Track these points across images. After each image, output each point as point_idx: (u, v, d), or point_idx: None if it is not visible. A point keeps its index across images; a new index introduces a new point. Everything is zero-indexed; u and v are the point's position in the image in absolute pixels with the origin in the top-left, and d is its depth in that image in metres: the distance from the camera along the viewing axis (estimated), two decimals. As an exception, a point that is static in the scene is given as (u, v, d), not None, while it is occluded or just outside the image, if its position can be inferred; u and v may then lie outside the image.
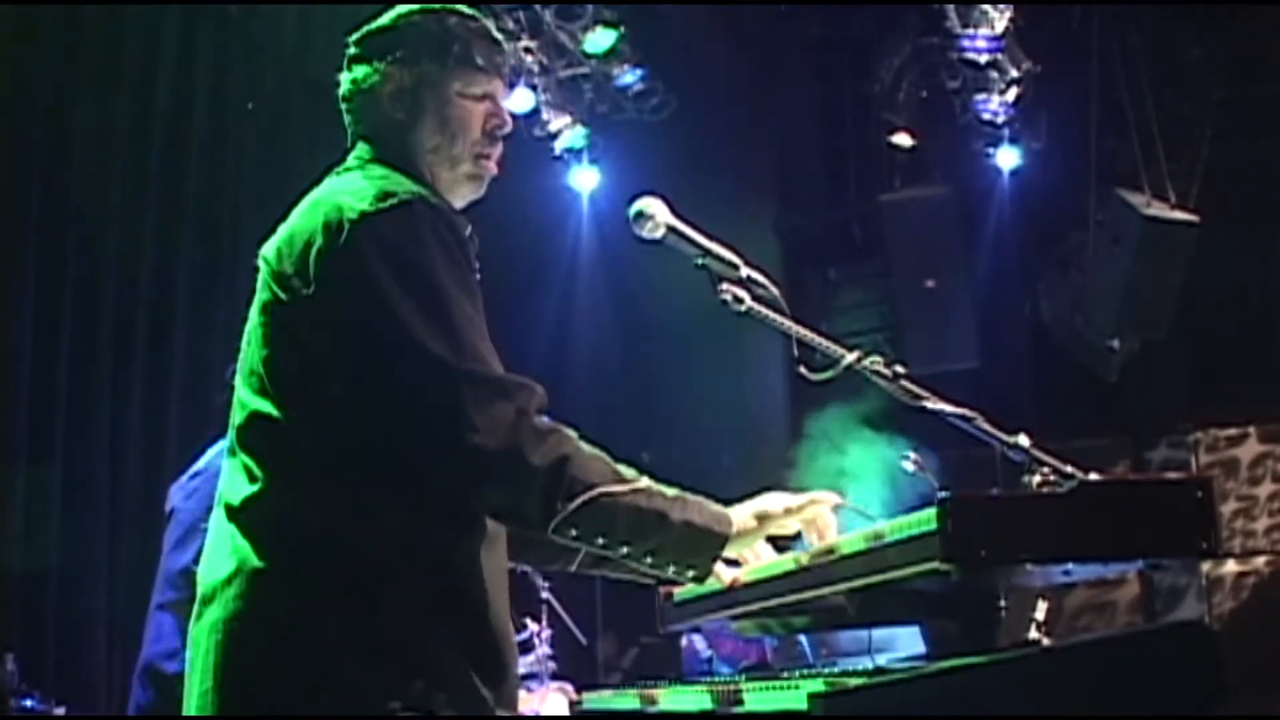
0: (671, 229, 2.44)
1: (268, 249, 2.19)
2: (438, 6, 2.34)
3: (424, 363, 2.02)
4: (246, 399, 2.15)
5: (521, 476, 2.01)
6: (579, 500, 2.03)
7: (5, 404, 5.92)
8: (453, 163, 2.29)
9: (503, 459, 2.00)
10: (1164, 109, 7.27)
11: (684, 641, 6.70)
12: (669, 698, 2.52)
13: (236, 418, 2.17)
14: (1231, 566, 7.26)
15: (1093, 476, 2.08)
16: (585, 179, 8.25)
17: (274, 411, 2.10)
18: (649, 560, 2.13)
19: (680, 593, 2.85)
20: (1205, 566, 7.00)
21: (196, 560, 4.03)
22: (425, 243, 2.09)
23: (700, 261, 2.45)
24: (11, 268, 6.05)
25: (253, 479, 2.11)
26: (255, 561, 2.05)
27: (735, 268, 2.43)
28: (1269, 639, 6.84)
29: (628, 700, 2.66)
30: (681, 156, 7.58)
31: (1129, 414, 7.97)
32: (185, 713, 2.12)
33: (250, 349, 2.18)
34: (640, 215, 2.44)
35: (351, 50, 2.35)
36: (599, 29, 7.45)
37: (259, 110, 7.02)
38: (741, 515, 2.25)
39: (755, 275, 2.43)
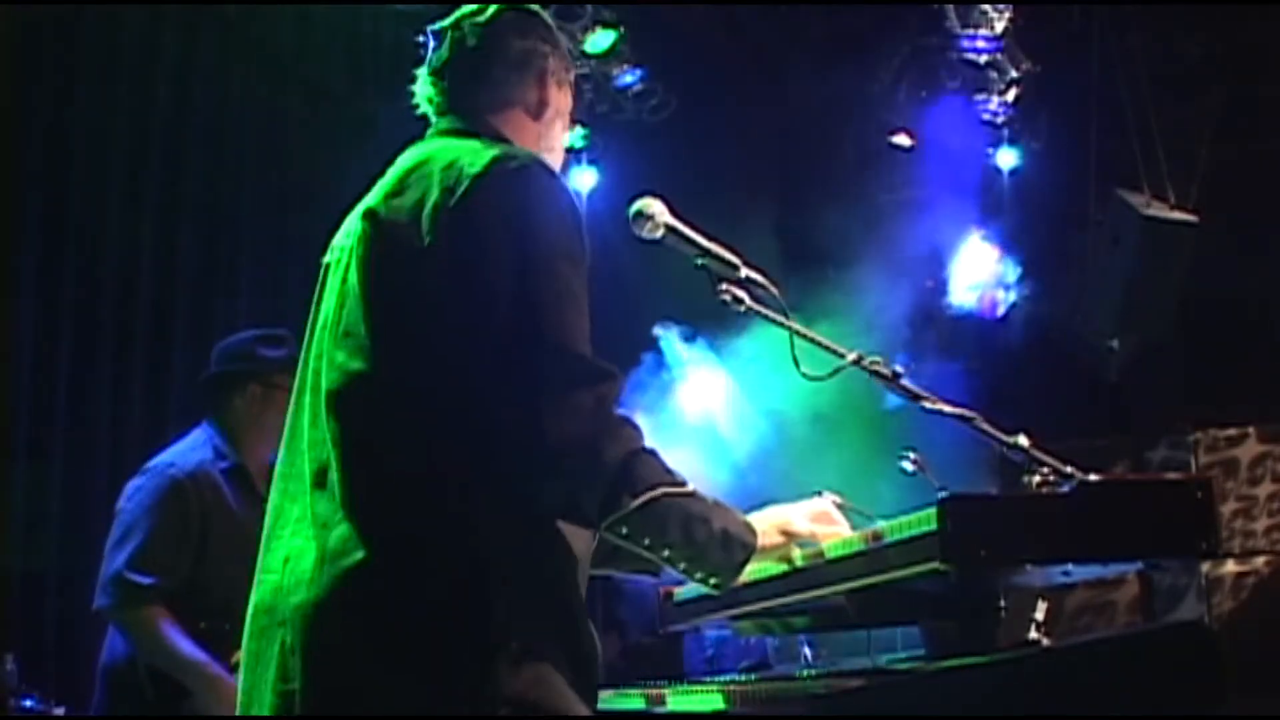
0: (671, 229, 2.44)
1: (373, 202, 2.17)
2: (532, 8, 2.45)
3: (526, 330, 2.00)
4: (342, 361, 2.09)
5: (591, 467, 1.98)
6: (642, 499, 2.00)
7: (5, 404, 5.92)
8: (554, 138, 2.39)
9: (575, 446, 1.97)
10: (1164, 109, 7.26)
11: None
12: (674, 698, 2.52)
13: (329, 383, 2.11)
14: (1231, 566, 7.25)
15: (1093, 476, 2.08)
16: (585, 179, 8.25)
17: (374, 371, 2.05)
18: (683, 565, 2.12)
19: (680, 592, 2.85)
20: (1205, 566, 6.99)
21: (129, 565, 4.08)
22: (545, 206, 2.08)
23: (700, 262, 2.45)
24: (11, 268, 6.04)
25: (343, 452, 2.04)
26: (349, 548, 1.97)
27: (735, 268, 2.43)
28: (1269, 639, 6.83)
29: (629, 700, 2.66)
30: (681, 156, 7.57)
31: (1129, 414, 7.96)
32: (251, 707, 2.05)
33: (345, 311, 2.13)
34: (640, 215, 2.45)
35: (466, 16, 2.38)
36: (599, 29, 7.45)
37: (259, 111, 7.02)
38: (765, 527, 2.25)
39: (755, 275, 2.44)
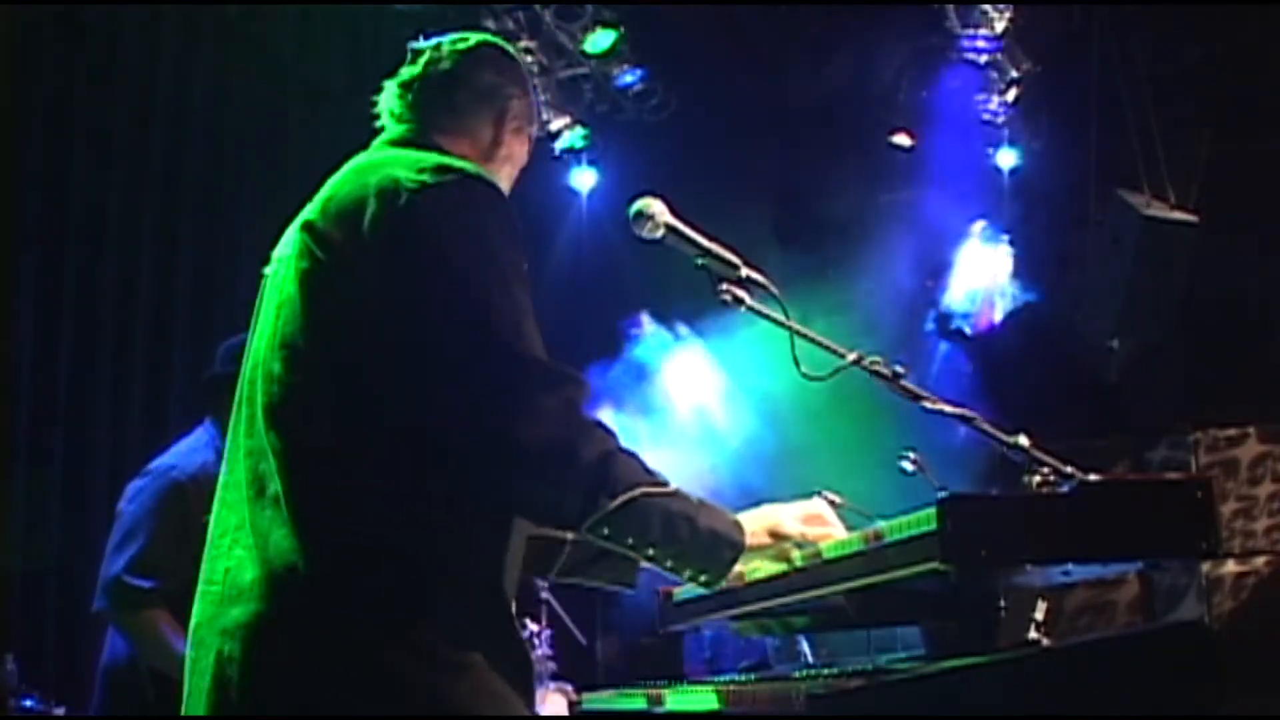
0: (671, 229, 2.44)
1: (310, 214, 2.15)
2: (509, 47, 2.47)
3: (479, 338, 1.99)
4: (280, 373, 2.08)
5: (567, 470, 1.97)
6: (621, 499, 2.00)
7: (5, 404, 5.92)
8: (496, 175, 2.31)
9: (549, 450, 1.96)
10: (1164, 109, 7.26)
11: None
12: (674, 698, 2.52)
13: (266, 396, 2.09)
14: (1231, 566, 7.25)
15: (1093, 476, 2.08)
16: (584, 179, 8.25)
17: (313, 383, 2.04)
18: (670, 564, 2.12)
19: (680, 592, 2.85)
20: (1205, 566, 6.99)
21: (128, 569, 4.08)
22: (486, 217, 2.08)
23: (700, 261, 2.45)
24: (11, 268, 6.04)
25: (285, 463, 2.03)
26: (291, 559, 1.96)
27: (735, 267, 2.43)
28: (1269, 639, 6.82)
29: (630, 700, 2.66)
30: (681, 156, 7.57)
31: (1129, 414, 7.96)
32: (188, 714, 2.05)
33: (280, 323, 2.11)
34: (640, 215, 2.44)
35: (439, 43, 2.39)
36: (599, 29, 7.45)
37: (259, 110, 7.02)
38: (754, 527, 2.24)
39: (755, 275, 2.44)
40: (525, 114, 2.40)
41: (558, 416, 1.97)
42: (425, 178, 2.07)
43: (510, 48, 2.46)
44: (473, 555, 2.03)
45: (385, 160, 2.18)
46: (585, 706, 2.94)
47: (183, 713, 2.07)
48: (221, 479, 2.19)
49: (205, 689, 2.01)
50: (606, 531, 2.02)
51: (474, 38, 2.40)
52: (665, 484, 2.09)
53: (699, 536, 2.11)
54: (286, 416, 2.06)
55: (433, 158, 2.15)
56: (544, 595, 6.22)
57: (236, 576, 2.03)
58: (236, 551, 2.05)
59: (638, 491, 2.02)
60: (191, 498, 4.10)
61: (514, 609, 2.10)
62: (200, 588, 2.13)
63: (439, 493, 2.00)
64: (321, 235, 2.10)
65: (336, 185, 2.18)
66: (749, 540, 2.19)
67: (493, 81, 2.36)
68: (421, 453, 2.00)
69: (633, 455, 2.06)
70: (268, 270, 2.29)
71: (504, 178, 2.36)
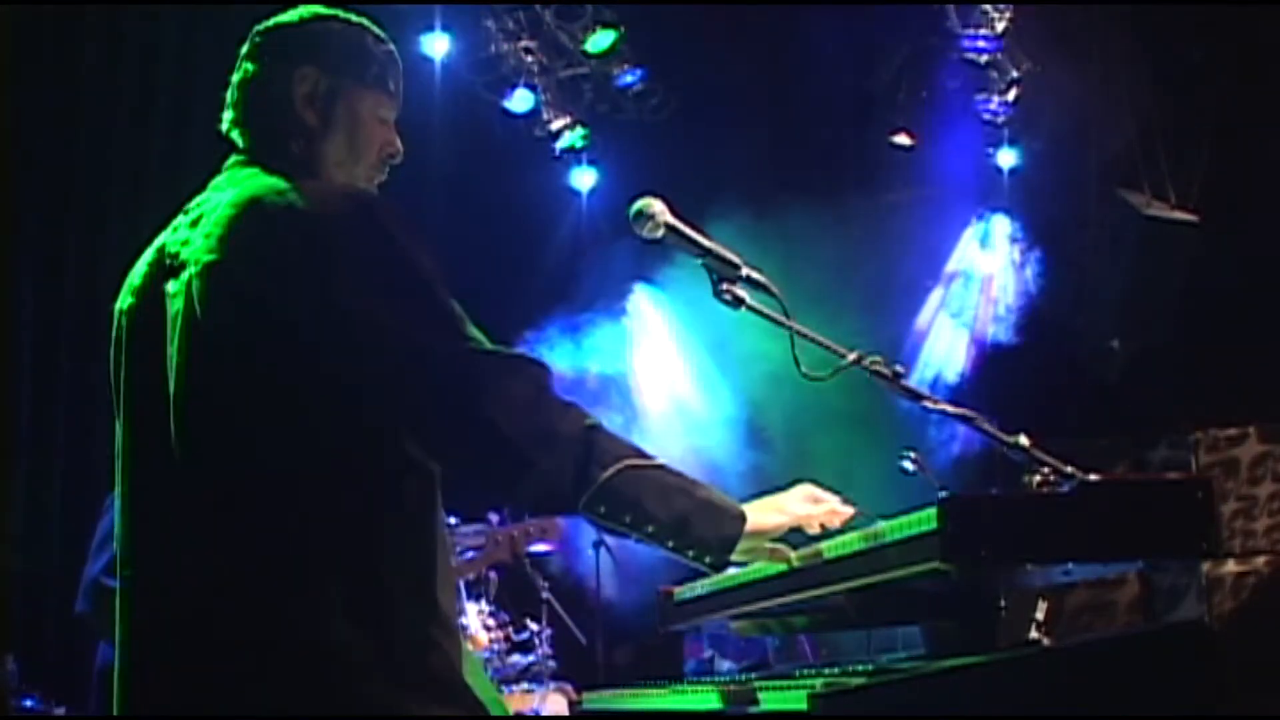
0: (671, 229, 2.44)
1: (199, 251, 2.04)
2: (355, 20, 2.26)
3: (425, 350, 1.93)
4: (196, 421, 1.98)
5: (553, 450, 1.94)
6: (611, 470, 1.97)
7: (5, 404, 5.92)
8: (351, 180, 2.19)
9: (530, 434, 1.93)
10: (1164, 109, 7.26)
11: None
12: (671, 698, 2.52)
13: (181, 445, 1.99)
14: (1231, 566, 7.25)
15: (1093, 476, 2.08)
16: (584, 179, 8.25)
17: (240, 419, 1.96)
18: (671, 542, 2.06)
19: (680, 592, 2.85)
20: (1205, 566, 6.99)
21: (106, 572, 4.08)
22: (387, 228, 1.99)
23: (701, 262, 2.45)
24: (12, 268, 6.05)
25: (213, 480, 1.97)
26: (214, 560, 1.93)
27: (736, 267, 2.43)
28: (1269, 639, 6.82)
29: (630, 700, 2.66)
30: (681, 156, 7.57)
31: (1129, 414, 7.96)
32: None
33: (174, 376, 2.01)
34: (640, 215, 2.44)
35: (258, 40, 2.26)
36: (599, 29, 7.45)
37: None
38: (756, 509, 2.20)
39: (755, 275, 2.43)
40: (375, 89, 2.21)
41: (529, 401, 1.94)
42: (304, 203, 1.98)
43: (347, 19, 2.25)
44: (416, 562, 2.00)
45: (252, 189, 2.08)
46: (585, 706, 2.94)
47: (115, 710, 2.04)
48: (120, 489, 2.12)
49: (136, 685, 2.01)
50: (603, 509, 1.99)
51: (287, 20, 2.26)
52: (653, 458, 2.05)
53: (697, 509, 2.06)
54: (211, 449, 1.98)
55: (296, 183, 2.05)
56: (544, 595, 6.22)
57: (163, 574, 2.00)
58: (168, 549, 2.01)
59: (625, 463, 1.99)
60: None
61: (447, 611, 2.05)
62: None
63: (387, 498, 1.98)
64: (210, 270, 2.00)
65: (215, 216, 2.09)
66: (754, 518, 2.15)
67: (328, 82, 2.19)
68: (374, 461, 1.97)
69: (614, 432, 2.03)
70: (119, 305, 2.20)
71: (371, 156, 2.22)
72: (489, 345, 1.98)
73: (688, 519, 2.05)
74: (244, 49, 2.27)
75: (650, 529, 2.03)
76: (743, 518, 2.13)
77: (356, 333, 1.93)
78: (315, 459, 1.95)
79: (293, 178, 2.07)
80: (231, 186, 2.14)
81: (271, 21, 2.26)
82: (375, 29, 2.27)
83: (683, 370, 8.20)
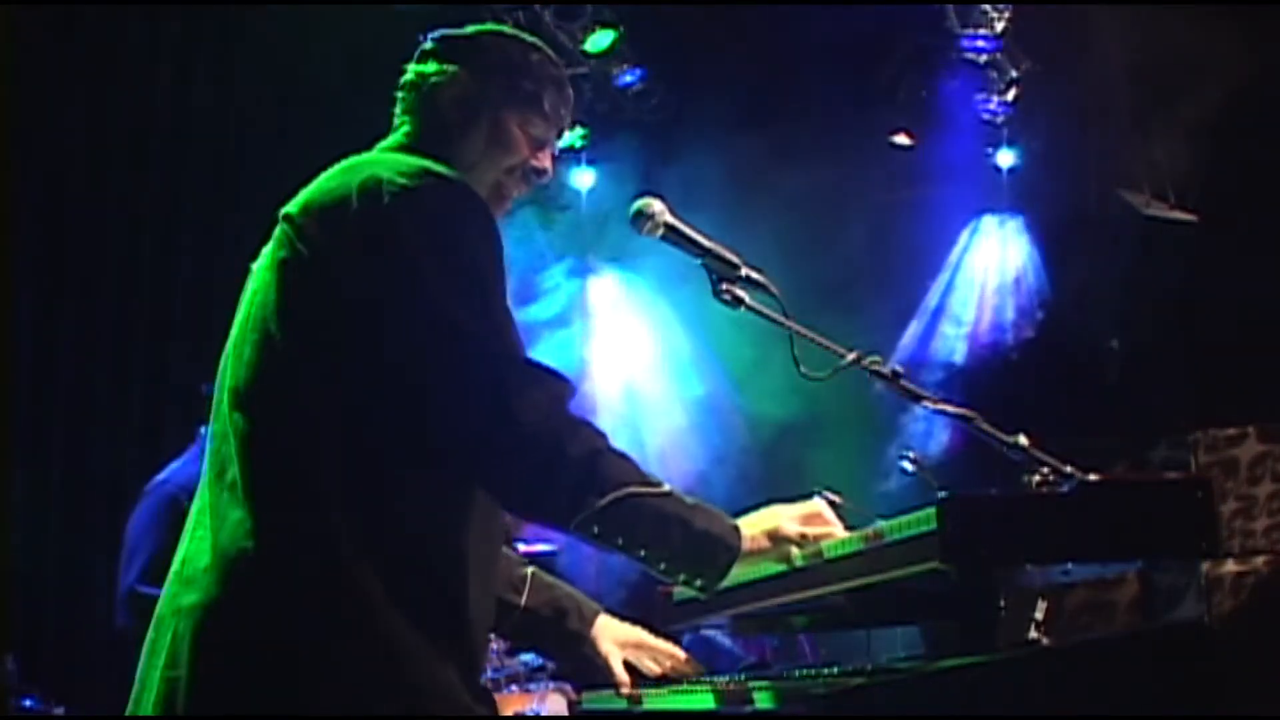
0: (671, 228, 2.44)
1: (291, 207, 2.16)
2: (527, 39, 2.38)
3: (463, 339, 2.00)
4: (250, 357, 2.10)
5: (555, 466, 1.98)
6: (609, 498, 2.00)
7: (5, 404, 5.92)
8: (482, 183, 2.27)
9: (538, 445, 1.97)
10: (1164, 109, 7.26)
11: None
12: (669, 698, 2.52)
13: (234, 379, 2.11)
14: (1231, 566, 7.24)
15: (1093, 476, 2.08)
16: (584, 179, 8.25)
17: (281, 372, 2.06)
18: (662, 566, 2.11)
19: (680, 592, 2.85)
20: (1205, 566, 6.99)
21: (140, 579, 4.09)
22: (466, 221, 2.08)
23: (700, 262, 2.45)
24: (11, 268, 6.05)
25: (245, 447, 2.04)
26: (243, 543, 1.98)
27: (735, 267, 2.43)
28: (1268, 639, 6.82)
29: (629, 701, 2.66)
30: (681, 156, 7.57)
31: (1129, 414, 7.96)
32: (141, 693, 2.05)
33: (254, 308, 2.14)
34: (640, 215, 2.44)
35: (429, 45, 2.37)
36: (598, 29, 7.45)
37: (260, 112, 7.02)
38: (752, 531, 2.22)
39: (755, 275, 2.43)
40: (526, 106, 2.32)
41: (542, 412, 1.99)
42: (405, 181, 2.08)
43: (519, 38, 2.39)
44: (430, 549, 2.03)
45: (371, 161, 2.19)
46: (585, 706, 2.93)
47: (139, 691, 2.06)
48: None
49: (159, 668, 2.02)
50: (596, 530, 2.02)
51: (459, 31, 2.38)
52: (658, 484, 2.08)
53: (692, 539, 2.10)
54: (251, 400, 2.08)
55: (415, 162, 2.15)
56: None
57: (195, 559, 2.05)
58: (198, 534, 2.08)
59: (626, 491, 2.02)
60: (186, 506, 4.12)
61: (477, 605, 2.07)
62: (170, 571, 2.14)
63: (397, 486, 2.01)
64: (300, 228, 2.11)
65: (322, 181, 2.19)
66: (746, 544, 2.18)
67: (477, 87, 2.30)
68: (382, 447, 2.01)
69: (623, 456, 2.06)
70: (254, 264, 2.30)
71: (509, 162, 2.31)
72: (518, 355, 2.05)
73: (682, 549, 2.10)
74: (427, 48, 2.39)
75: (643, 554, 2.08)
76: (736, 549, 2.16)
77: (417, 305, 2.01)
78: (346, 395, 2.01)
79: (415, 161, 2.15)
80: (357, 158, 2.26)
81: (452, 30, 2.40)
82: (548, 52, 2.38)
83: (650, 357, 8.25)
